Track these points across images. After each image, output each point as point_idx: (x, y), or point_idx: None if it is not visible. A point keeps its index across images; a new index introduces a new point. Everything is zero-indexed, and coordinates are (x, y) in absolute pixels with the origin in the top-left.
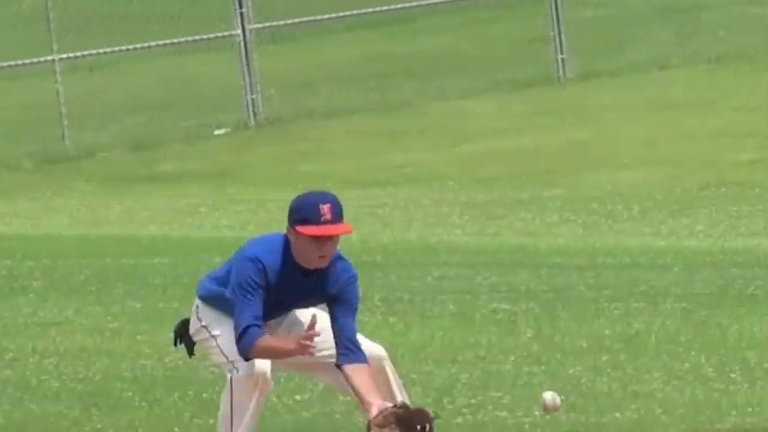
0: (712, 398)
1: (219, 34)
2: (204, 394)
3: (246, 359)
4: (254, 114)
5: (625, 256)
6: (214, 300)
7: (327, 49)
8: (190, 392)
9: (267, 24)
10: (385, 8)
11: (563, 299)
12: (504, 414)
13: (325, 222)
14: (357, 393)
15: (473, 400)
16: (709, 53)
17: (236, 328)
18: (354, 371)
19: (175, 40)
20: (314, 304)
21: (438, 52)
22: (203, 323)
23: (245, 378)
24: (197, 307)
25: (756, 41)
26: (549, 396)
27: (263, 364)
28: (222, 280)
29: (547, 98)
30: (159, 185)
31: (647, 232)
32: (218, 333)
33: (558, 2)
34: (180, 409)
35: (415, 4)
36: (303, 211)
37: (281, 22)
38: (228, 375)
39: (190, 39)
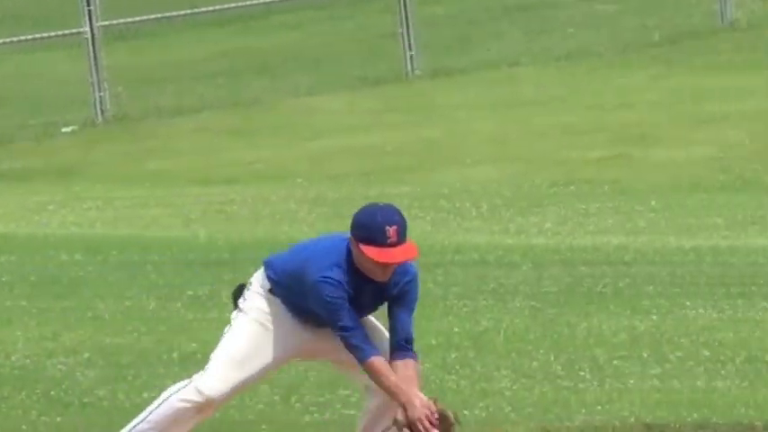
0: (561, 396)
1: (68, 31)
2: (52, 392)
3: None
4: (102, 112)
5: (474, 253)
6: (278, 287)
7: (177, 46)
8: (37, 390)
9: (116, 21)
10: (235, 5)
11: None
12: (352, 412)
13: (391, 245)
14: (396, 387)
15: (321, 399)
16: (559, 51)
17: (345, 329)
18: (403, 364)
19: (23, 38)
20: (376, 307)
21: (289, 49)
22: (242, 307)
23: (195, 393)
24: (250, 284)
25: (605, 39)
26: None
27: (222, 394)
28: (290, 272)
29: (396, 95)
30: (6, 183)
31: (495, 230)
32: (235, 328)
33: None
34: (27, 407)
35: (258, 1)
36: (369, 230)
37: (130, 20)
38: (185, 382)
39: (38, 36)
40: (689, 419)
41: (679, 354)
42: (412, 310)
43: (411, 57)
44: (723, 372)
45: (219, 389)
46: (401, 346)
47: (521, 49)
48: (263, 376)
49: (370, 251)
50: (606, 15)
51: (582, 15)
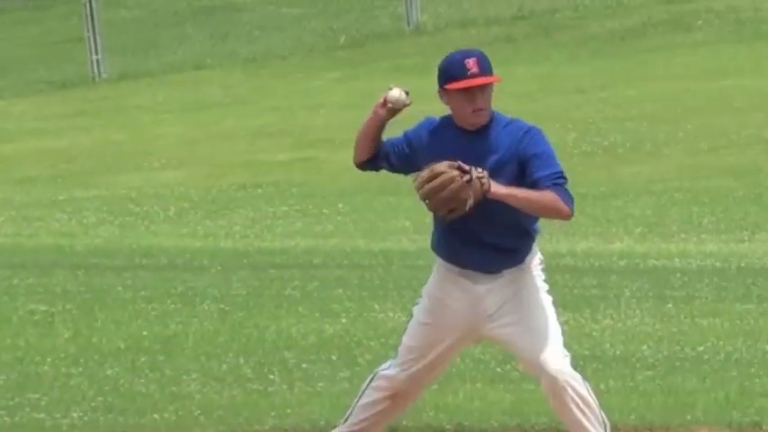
0: (251, 399)
1: None
2: None
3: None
4: None
5: (162, 257)
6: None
7: None
8: None
9: None
10: None
11: (100, 300)
12: (42, 416)
13: (473, 76)
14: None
15: (11, 402)
16: (245, 53)
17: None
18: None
19: None
20: (494, 171)
21: None
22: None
23: (383, 379)
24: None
25: (291, 42)
26: (395, 92)
27: (402, 381)
28: None
29: (83, 99)
30: None
31: (184, 233)
32: (414, 313)
33: (93, 2)
34: None
35: None
36: (450, 70)
37: None
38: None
39: None
40: None
41: (368, 357)
42: (550, 157)
43: (97, 60)
44: None
45: (399, 377)
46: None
47: (206, 51)
48: (444, 360)
49: (454, 85)
50: (292, 18)
51: (267, 18)
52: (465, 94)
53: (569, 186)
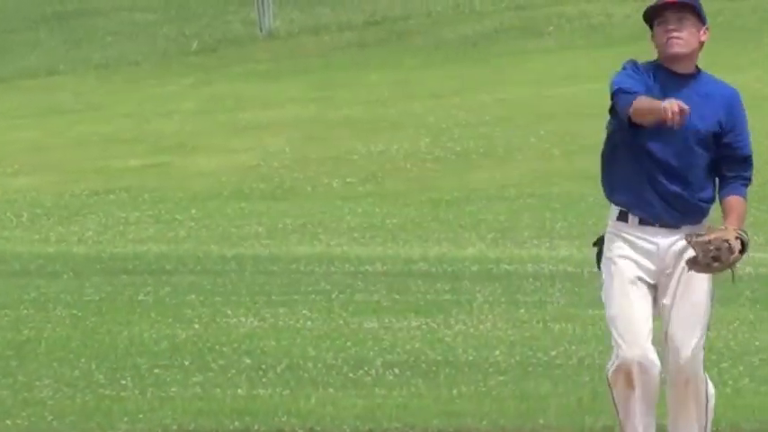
0: (103, 404)
1: None
2: None
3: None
4: None
5: (15, 262)
6: (614, 190)
7: None
8: None
9: None
10: None
11: None
12: None
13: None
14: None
15: None
16: (98, 59)
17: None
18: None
19: None
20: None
21: None
22: (603, 259)
23: (614, 374)
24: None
25: (144, 48)
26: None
27: (633, 353)
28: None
29: None
30: None
31: (36, 239)
32: (604, 285)
33: None
34: None
35: None
36: (649, 7)
37: None
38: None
39: None
40: (231, 427)
41: (221, 362)
42: (746, 147)
43: None
44: (265, 379)
45: (625, 351)
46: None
47: (59, 57)
48: (652, 314)
49: (648, 11)
50: (145, 24)
51: (121, 24)
52: (660, 22)
53: None
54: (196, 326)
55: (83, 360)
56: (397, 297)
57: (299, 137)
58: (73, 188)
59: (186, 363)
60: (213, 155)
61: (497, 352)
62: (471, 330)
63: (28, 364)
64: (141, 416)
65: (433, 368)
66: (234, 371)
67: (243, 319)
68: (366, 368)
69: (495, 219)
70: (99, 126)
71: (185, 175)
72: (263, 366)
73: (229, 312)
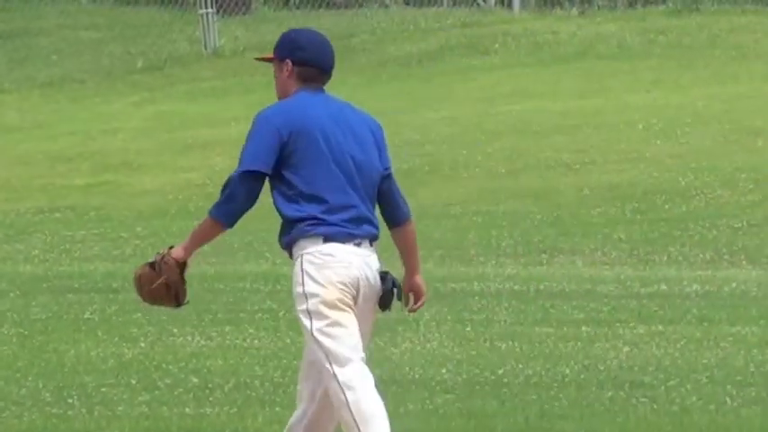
0: (50, 423)
1: None
2: None
3: None
4: None
5: None
6: None
7: None
8: None
9: None
10: None
11: None
12: None
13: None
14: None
15: None
16: (43, 77)
17: None
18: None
19: None
20: None
21: None
22: None
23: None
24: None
25: (89, 65)
26: None
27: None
28: None
29: None
30: None
31: None
32: None
33: None
34: None
35: None
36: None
37: None
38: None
39: None
40: None
41: (168, 381)
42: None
43: None
44: (212, 398)
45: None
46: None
47: (4, 75)
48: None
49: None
50: (90, 42)
51: (65, 42)
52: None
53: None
54: (142, 344)
55: (29, 378)
56: None
57: None
58: (18, 206)
59: (133, 381)
60: (159, 173)
61: (444, 370)
62: (418, 348)
63: None
64: None
65: (380, 386)
66: (181, 389)
67: (189, 338)
68: None
69: (442, 236)
70: (43, 144)
71: (131, 193)
72: (210, 385)
73: (176, 331)
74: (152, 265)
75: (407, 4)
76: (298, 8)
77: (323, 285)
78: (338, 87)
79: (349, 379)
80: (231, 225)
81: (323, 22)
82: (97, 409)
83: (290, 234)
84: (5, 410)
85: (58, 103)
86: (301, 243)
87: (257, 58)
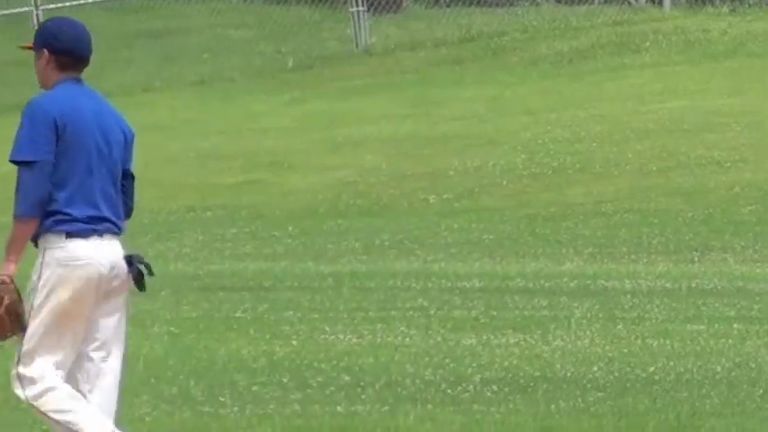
0: (202, 422)
1: None
2: None
3: None
4: None
5: None
6: None
7: None
8: None
9: None
10: None
11: None
12: None
13: None
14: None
15: None
16: (193, 76)
17: None
18: None
19: None
20: None
21: None
22: None
23: None
24: None
25: (239, 64)
26: None
27: None
28: None
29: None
30: None
31: None
32: None
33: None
34: None
35: None
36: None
37: None
38: None
39: None
40: None
41: (320, 379)
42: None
43: None
44: (364, 396)
45: None
46: None
47: (154, 73)
48: None
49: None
50: (240, 41)
51: (216, 41)
52: None
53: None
54: (294, 342)
55: (181, 377)
56: (495, 313)
57: (395, 153)
58: (169, 205)
59: (284, 380)
60: (309, 172)
61: (595, 368)
62: (569, 346)
63: (126, 380)
64: None
65: (531, 384)
66: (332, 388)
67: (341, 336)
68: (464, 384)
69: (593, 234)
70: (194, 142)
71: (281, 191)
72: (362, 383)
73: (327, 329)
74: None
75: (559, 2)
76: (448, 6)
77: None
78: (489, 86)
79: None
80: (39, 216)
81: (474, 22)
82: (249, 407)
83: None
84: (157, 408)
85: (208, 101)
86: (47, 237)
87: (21, 47)
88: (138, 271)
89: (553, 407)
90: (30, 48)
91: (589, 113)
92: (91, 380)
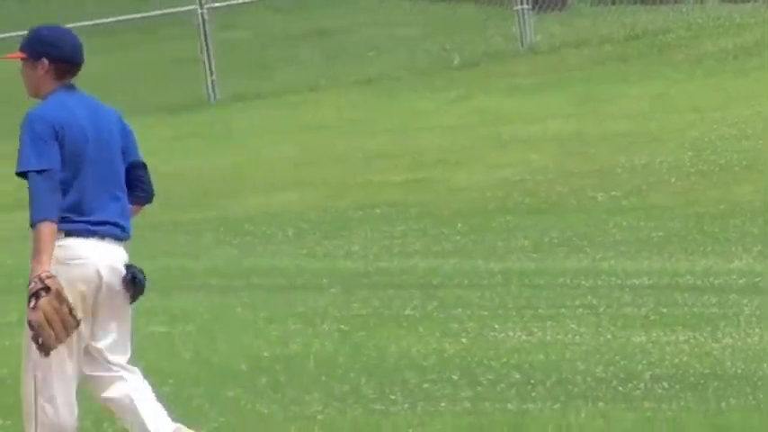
0: (373, 419)
1: None
2: None
3: None
4: None
5: (281, 277)
6: None
7: None
8: None
9: None
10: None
11: (220, 320)
12: None
13: None
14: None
15: None
16: (359, 75)
17: None
18: None
19: None
20: None
21: (87, 76)
22: None
23: None
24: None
25: (405, 62)
26: None
27: None
28: None
29: (198, 120)
30: None
31: (302, 253)
32: None
33: (206, 24)
34: None
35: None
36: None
37: None
38: None
39: None
40: None
41: (490, 376)
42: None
43: (212, 82)
44: (534, 394)
45: None
46: None
47: (320, 72)
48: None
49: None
50: (405, 39)
51: (382, 39)
52: None
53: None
54: (464, 340)
55: (351, 375)
56: (665, 310)
57: (561, 151)
58: (337, 203)
59: (455, 377)
60: (476, 169)
61: (766, 365)
62: (739, 344)
63: (297, 378)
64: (411, 430)
65: (702, 381)
66: (503, 385)
67: (510, 334)
68: (635, 382)
69: (762, 232)
70: (360, 141)
71: (448, 189)
72: (532, 381)
73: (497, 326)
74: (37, 298)
75: None
76: (613, 3)
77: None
78: (654, 83)
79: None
80: (57, 216)
81: (639, 19)
82: (420, 404)
83: None
84: (329, 406)
85: (373, 100)
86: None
87: (6, 57)
88: (131, 277)
89: (724, 404)
90: (20, 57)
91: (755, 110)
92: (104, 387)
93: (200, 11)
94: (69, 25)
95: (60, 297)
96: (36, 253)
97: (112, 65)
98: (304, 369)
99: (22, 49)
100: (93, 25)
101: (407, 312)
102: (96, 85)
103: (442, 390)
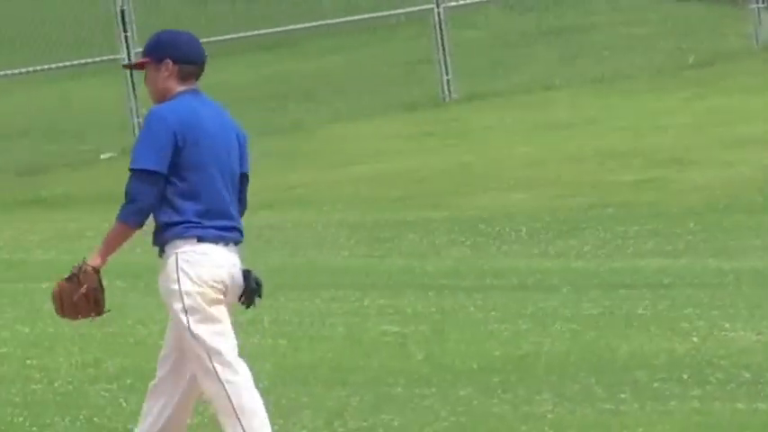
0: (602, 419)
1: (105, 58)
2: (95, 419)
3: None
4: None
5: (513, 277)
6: None
7: (221, 70)
8: (81, 417)
9: None
10: (270, 30)
11: (452, 320)
12: None
13: None
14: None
15: (364, 423)
16: (594, 73)
17: None
18: None
19: (60, 65)
20: None
21: (329, 74)
22: None
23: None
24: None
25: (640, 61)
26: None
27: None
28: None
29: (433, 120)
30: (46, 210)
31: (534, 253)
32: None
33: (443, 23)
34: None
35: (299, 26)
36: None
37: None
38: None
39: (75, 63)
40: None
41: (719, 375)
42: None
43: (447, 81)
44: (764, 394)
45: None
46: None
47: (555, 71)
48: None
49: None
50: (641, 38)
51: (617, 38)
52: None
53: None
54: (694, 339)
55: (582, 374)
56: None
57: None
58: (569, 202)
59: (684, 376)
60: (709, 168)
61: None
62: None
63: (527, 378)
64: (640, 430)
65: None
66: (733, 385)
67: (741, 333)
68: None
69: None
70: (594, 140)
71: (680, 188)
72: (762, 381)
73: (727, 326)
74: (69, 278)
75: None
76: None
77: (197, 284)
78: None
79: (231, 374)
80: (140, 225)
81: None
82: (649, 404)
83: (164, 236)
84: (559, 406)
85: (608, 99)
86: (177, 243)
87: (126, 66)
88: (254, 286)
89: None
90: (140, 64)
91: None
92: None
93: (436, 10)
94: (306, 25)
95: (88, 287)
96: (101, 245)
97: (349, 64)
98: (535, 369)
99: (144, 56)
100: (331, 25)
101: (639, 312)
102: (343, 82)
103: (672, 389)
